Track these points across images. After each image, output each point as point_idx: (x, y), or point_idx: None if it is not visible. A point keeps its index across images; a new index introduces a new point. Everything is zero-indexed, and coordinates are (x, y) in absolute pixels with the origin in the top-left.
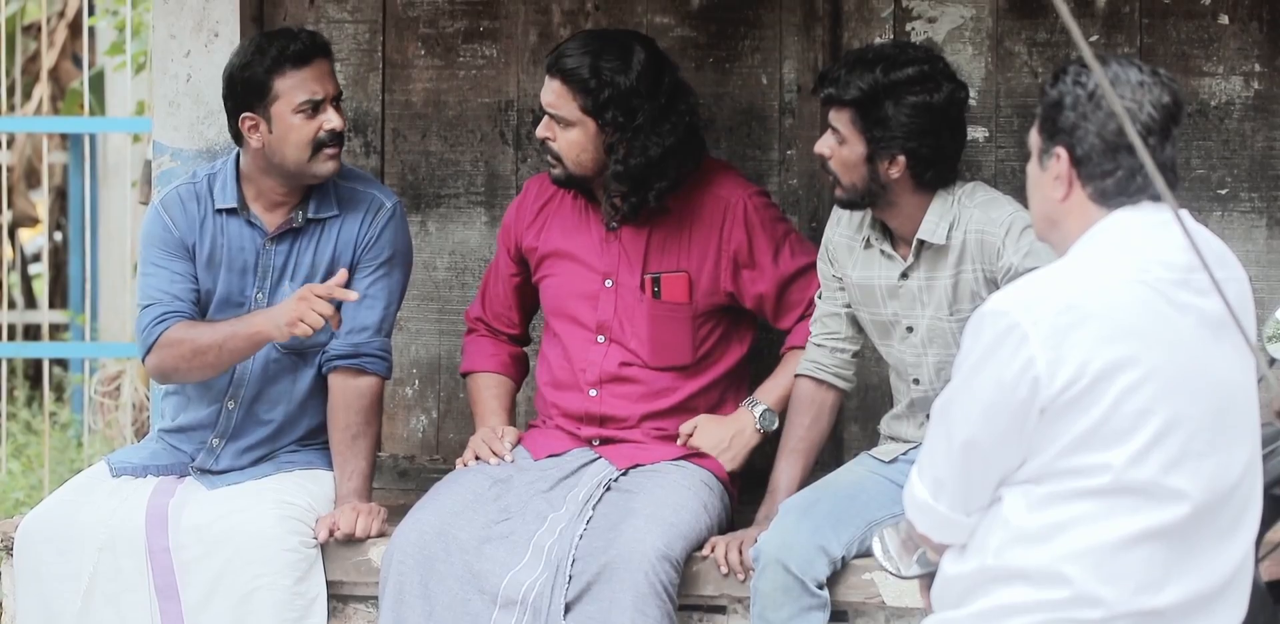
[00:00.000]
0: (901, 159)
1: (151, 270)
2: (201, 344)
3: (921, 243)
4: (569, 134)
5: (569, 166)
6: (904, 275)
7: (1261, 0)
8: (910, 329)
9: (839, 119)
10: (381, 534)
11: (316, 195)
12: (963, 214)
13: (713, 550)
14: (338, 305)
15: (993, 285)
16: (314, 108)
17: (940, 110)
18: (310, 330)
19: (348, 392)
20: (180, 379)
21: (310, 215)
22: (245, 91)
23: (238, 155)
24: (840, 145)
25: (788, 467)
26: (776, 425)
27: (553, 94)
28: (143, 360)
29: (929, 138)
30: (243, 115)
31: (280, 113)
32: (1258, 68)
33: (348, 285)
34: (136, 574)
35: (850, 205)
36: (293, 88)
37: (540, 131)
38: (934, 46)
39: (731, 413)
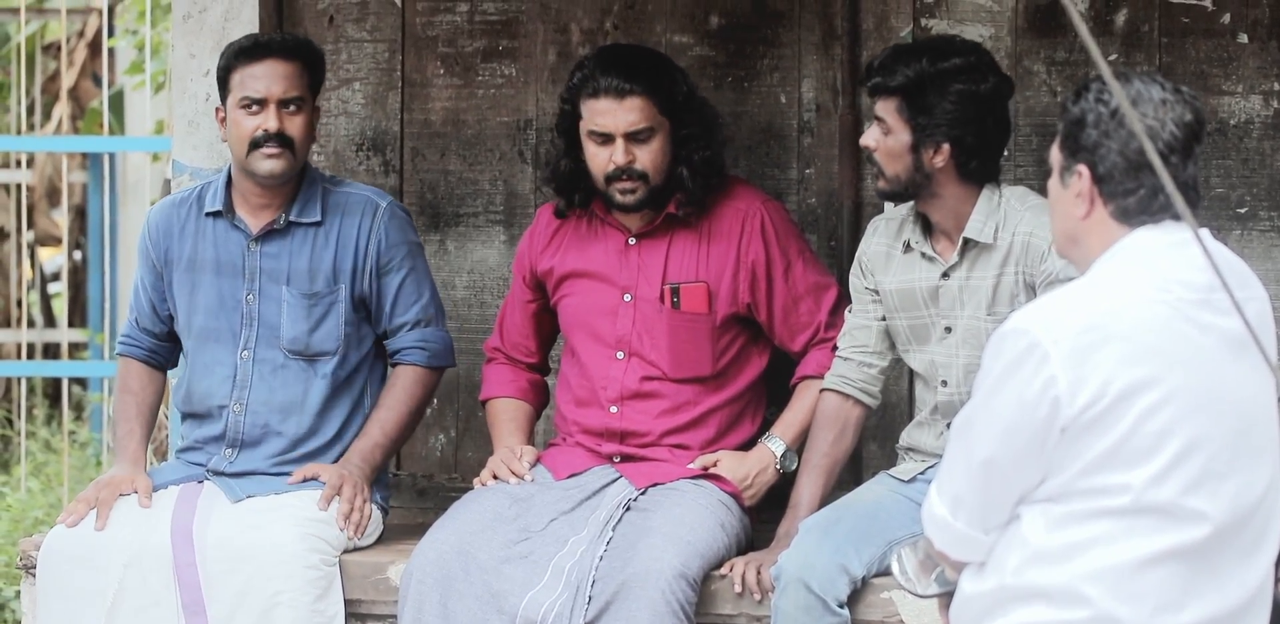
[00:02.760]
0: (946, 147)
1: (136, 278)
2: (115, 408)
3: (967, 242)
4: (652, 145)
5: (653, 180)
6: (945, 275)
7: None
8: (949, 329)
9: (885, 108)
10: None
11: (301, 198)
12: (1010, 216)
13: (731, 570)
14: (345, 312)
15: (1030, 289)
16: (255, 105)
17: (986, 101)
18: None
19: (388, 379)
20: None
21: (292, 217)
22: (219, 84)
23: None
24: (885, 135)
25: (809, 483)
26: (795, 466)
27: (634, 112)
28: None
29: (974, 127)
30: (216, 107)
31: (231, 106)
32: (1277, 86)
33: (356, 287)
34: (164, 590)
35: (893, 197)
36: (239, 83)
37: (618, 160)
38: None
39: (749, 430)
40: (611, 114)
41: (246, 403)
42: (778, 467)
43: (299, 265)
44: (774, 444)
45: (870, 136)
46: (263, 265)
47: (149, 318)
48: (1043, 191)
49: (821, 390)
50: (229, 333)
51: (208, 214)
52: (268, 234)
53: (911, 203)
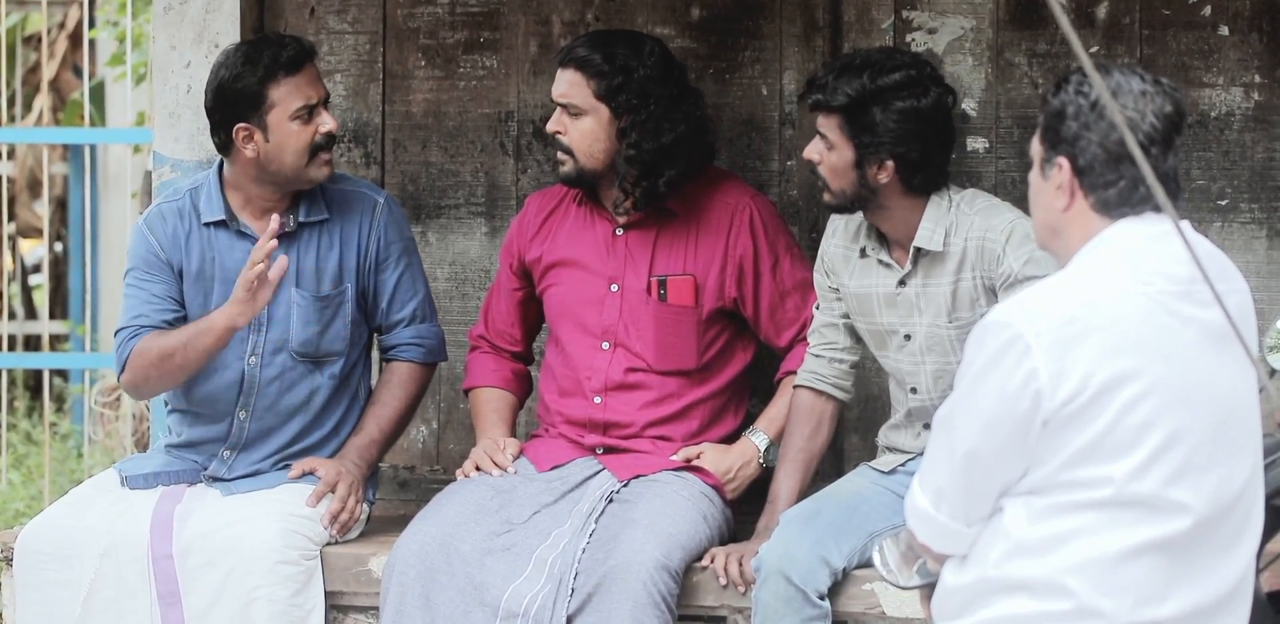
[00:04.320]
0: (890, 164)
1: (131, 292)
2: (167, 346)
3: (918, 250)
4: (581, 124)
5: (580, 160)
6: (901, 283)
7: (1261, 11)
8: (908, 337)
9: (827, 125)
10: (351, 531)
11: (306, 199)
12: (961, 221)
13: (712, 561)
14: (351, 311)
15: (990, 293)
16: (309, 113)
17: (928, 115)
18: (266, 297)
19: (382, 374)
20: (154, 389)
21: (302, 219)
22: (239, 102)
23: (219, 167)
24: (829, 151)
25: (787, 477)
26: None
27: (566, 83)
28: (119, 381)
29: (917, 143)
30: (237, 126)
31: (277, 120)
32: (1258, 79)
33: (360, 285)
34: (138, 580)
35: (840, 210)
36: (288, 95)
37: (550, 126)
38: (931, 57)
39: (732, 424)
40: (556, 81)
41: (253, 409)
42: (761, 460)
43: (306, 265)
44: (757, 438)
45: (813, 150)
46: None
47: (175, 311)
48: (995, 191)
49: (795, 386)
50: (237, 338)
51: (206, 224)
52: (277, 238)
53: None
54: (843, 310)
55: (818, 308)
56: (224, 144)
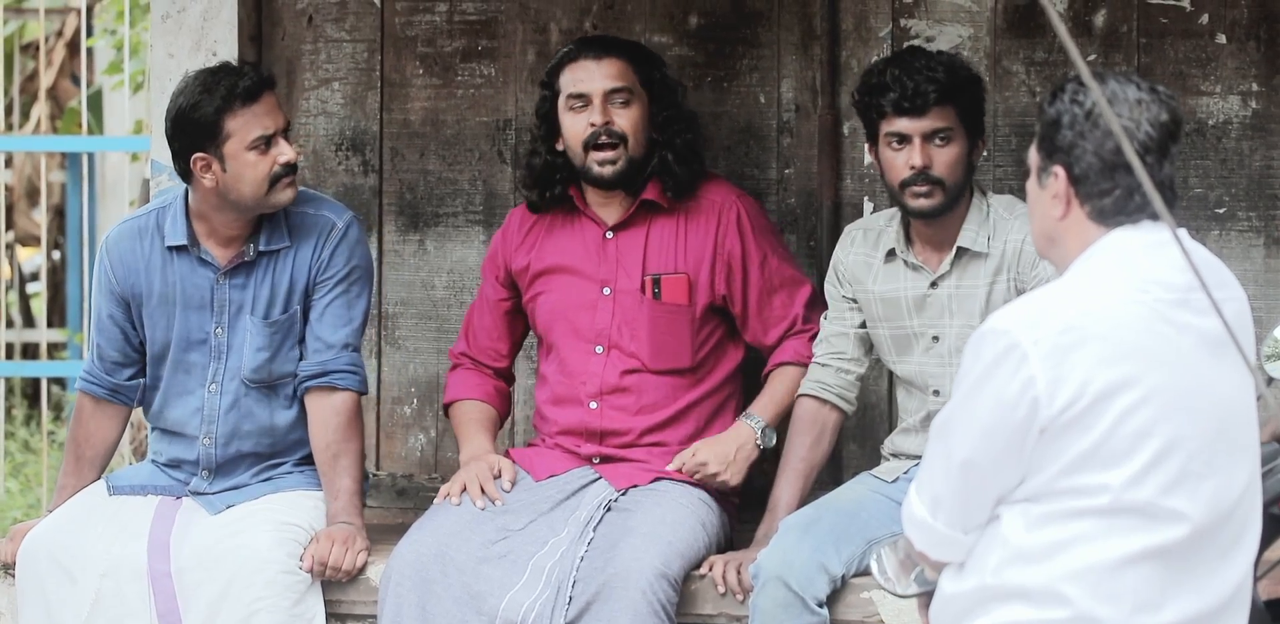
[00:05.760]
0: (981, 142)
1: (94, 311)
2: (66, 450)
3: (961, 250)
4: (631, 111)
5: (630, 148)
6: (934, 285)
7: (1259, 20)
8: (936, 338)
9: (945, 117)
10: (361, 571)
11: (268, 227)
12: (1000, 225)
13: (710, 569)
14: (300, 332)
15: (1020, 295)
16: (267, 143)
17: None
18: None
19: (323, 410)
20: None
21: (262, 248)
22: (195, 132)
23: (186, 191)
24: (946, 146)
25: (788, 486)
26: (775, 442)
27: (614, 70)
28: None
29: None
30: (194, 156)
31: (234, 151)
32: (1255, 87)
33: (307, 307)
34: (139, 600)
35: (940, 211)
36: (244, 125)
37: (597, 118)
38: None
39: (728, 425)
40: (589, 74)
41: (215, 436)
42: (758, 441)
43: (262, 293)
44: (752, 421)
45: (923, 155)
46: (231, 297)
47: (120, 350)
48: (1021, 194)
49: (799, 395)
50: (199, 365)
51: (170, 248)
52: (236, 266)
53: (890, 212)
54: (857, 320)
55: (826, 318)
56: (184, 172)
